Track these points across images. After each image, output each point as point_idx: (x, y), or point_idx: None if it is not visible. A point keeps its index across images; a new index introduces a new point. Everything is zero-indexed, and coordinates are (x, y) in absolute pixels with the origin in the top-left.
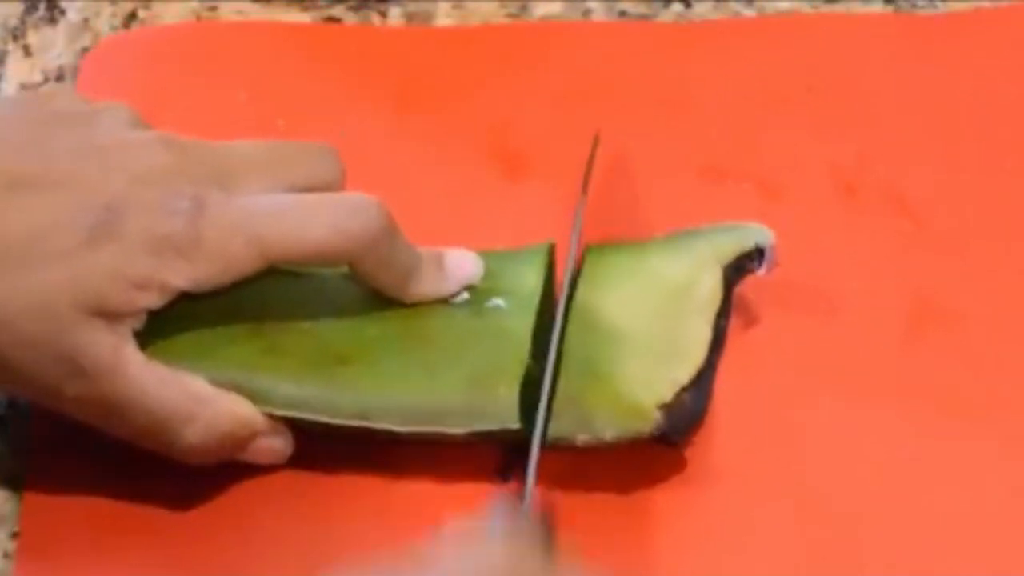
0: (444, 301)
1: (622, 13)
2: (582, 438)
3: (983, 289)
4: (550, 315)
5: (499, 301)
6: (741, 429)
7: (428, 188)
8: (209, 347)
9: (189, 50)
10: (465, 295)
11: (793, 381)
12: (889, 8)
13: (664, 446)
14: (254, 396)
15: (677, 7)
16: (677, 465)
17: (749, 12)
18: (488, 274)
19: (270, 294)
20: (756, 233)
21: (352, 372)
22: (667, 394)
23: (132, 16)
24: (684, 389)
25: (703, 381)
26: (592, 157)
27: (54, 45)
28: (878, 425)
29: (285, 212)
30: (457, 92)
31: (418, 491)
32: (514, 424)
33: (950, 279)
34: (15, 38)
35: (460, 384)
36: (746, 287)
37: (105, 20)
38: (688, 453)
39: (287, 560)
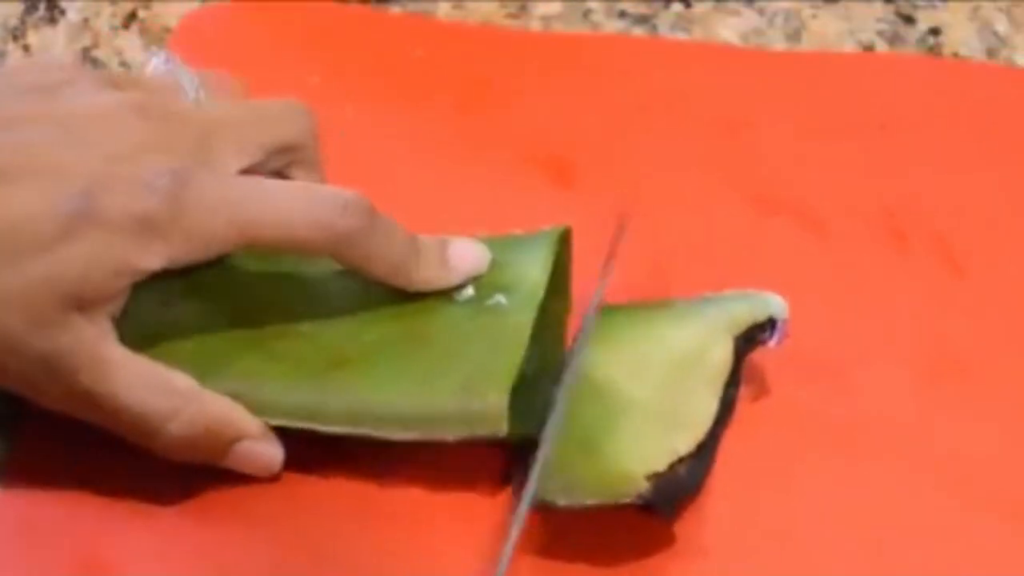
0: (449, 295)
1: (622, 13)
2: (563, 502)
3: (1009, 354)
4: (559, 306)
5: (501, 298)
6: (736, 505)
7: (421, 183)
8: (201, 356)
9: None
10: (470, 291)
11: (795, 455)
12: (889, 7)
13: (651, 518)
14: (249, 406)
15: (677, 7)
16: (665, 538)
17: (750, 13)
18: (494, 263)
19: (270, 297)
20: (770, 303)
21: (345, 377)
22: (661, 464)
23: (132, 16)
24: (681, 460)
25: (704, 452)
26: (617, 240)
27: (54, 45)
28: (882, 504)
29: (266, 196)
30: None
31: (412, 495)
32: (502, 432)
33: (976, 341)
34: (15, 38)
35: (453, 389)
36: (756, 352)
37: (105, 20)
38: (678, 527)
39: (275, 557)
